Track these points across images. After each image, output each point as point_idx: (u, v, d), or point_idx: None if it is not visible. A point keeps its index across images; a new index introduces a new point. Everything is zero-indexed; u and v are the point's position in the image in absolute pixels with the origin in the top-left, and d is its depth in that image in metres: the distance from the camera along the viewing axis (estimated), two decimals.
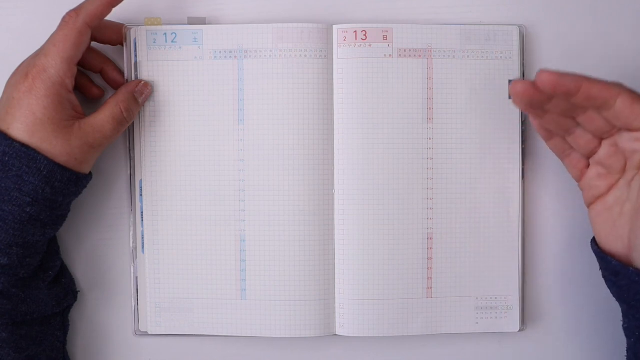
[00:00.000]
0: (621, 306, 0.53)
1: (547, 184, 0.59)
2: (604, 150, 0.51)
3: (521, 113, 0.57)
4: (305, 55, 0.55)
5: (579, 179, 0.54)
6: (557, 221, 0.59)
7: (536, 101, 0.48)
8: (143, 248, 0.57)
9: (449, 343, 0.59)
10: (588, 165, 0.53)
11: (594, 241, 0.54)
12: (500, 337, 0.59)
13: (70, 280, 0.57)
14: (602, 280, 0.56)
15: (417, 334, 0.57)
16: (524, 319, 0.59)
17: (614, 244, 0.52)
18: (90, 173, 0.54)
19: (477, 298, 0.57)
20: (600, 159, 0.52)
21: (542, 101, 0.48)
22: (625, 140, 0.50)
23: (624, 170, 0.51)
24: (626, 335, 0.53)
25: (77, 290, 0.58)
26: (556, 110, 0.49)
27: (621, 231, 0.52)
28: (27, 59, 0.52)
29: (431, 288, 0.57)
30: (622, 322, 0.53)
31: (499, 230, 0.57)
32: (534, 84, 0.47)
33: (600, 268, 0.54)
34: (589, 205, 0.54)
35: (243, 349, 0.59)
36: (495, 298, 0.57)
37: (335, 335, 0.57)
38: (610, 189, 0.52)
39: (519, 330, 0.58)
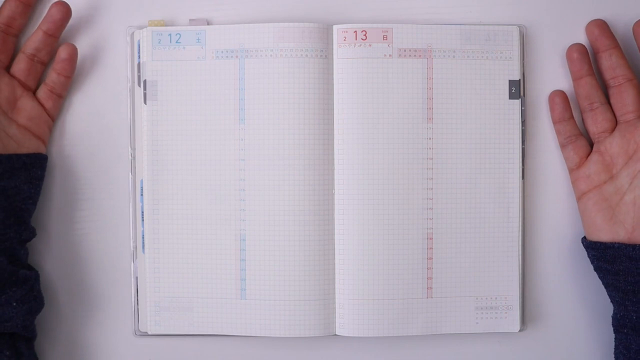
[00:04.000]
0: (615, 296, 0.54)
1: (547, 184, 0.59)
2: (618, 135, 0.54)
3: (521, 113, 0.57)
4: (306, 55, 0.56)
5: (577, 166, 0.56)
6: (557, 221, 0.59)
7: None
8: (143, 248, 0.57)
9: (449, 343, 0.59)
10: (588, 154, 0.56)
11: (584, 238, 0.56)
12: (500, 337, 0.59)
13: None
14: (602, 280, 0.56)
15: (417, 334, 0.57)
16: (524, 319, 0.58)
17: (613, 231, 0.54)
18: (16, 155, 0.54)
19: (477, 298, 0.57)
20: (611, 145, 0.55)
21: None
22: None
23: (628, 159, 0.54)
24: (616, 329, 0.54)
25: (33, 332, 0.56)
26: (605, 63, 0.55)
27: (622, 217, 0.53)
28: None
29: (431, 288, 0.57)
30: (612, 315, 0.55)
31: (499, 230, 0.57)
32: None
33: (594, 261, 0.55)
34: (584, 193, 0.56)
35: (243, 349, 0.59)
36: (495, 298, 0.57)
37: (335, 335, 0.57)
38: (611, 178, 0.54)
39: (519, 330, 0.58)
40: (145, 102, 0.57)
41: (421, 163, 0.57)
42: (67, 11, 0.55)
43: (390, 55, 0.56)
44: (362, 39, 0.56)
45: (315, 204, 0.56)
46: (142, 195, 0.57)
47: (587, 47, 0.57)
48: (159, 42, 0.56)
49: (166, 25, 0.57)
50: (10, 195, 0.53)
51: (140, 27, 0.57)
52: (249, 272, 0.57)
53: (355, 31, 0.56)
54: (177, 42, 0.56)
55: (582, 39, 0.58)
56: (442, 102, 0.57)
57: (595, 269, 0.56)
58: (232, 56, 0.56)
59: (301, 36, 0.55)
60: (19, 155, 0.54)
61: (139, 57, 0.57)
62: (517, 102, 0.57)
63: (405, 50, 0.56)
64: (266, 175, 0.56)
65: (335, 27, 0.56)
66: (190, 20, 0.58)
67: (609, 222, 0.54)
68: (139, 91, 0.57)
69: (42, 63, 0.57)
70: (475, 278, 0.57)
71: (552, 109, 0.57)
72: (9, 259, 0.54)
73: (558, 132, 0.57)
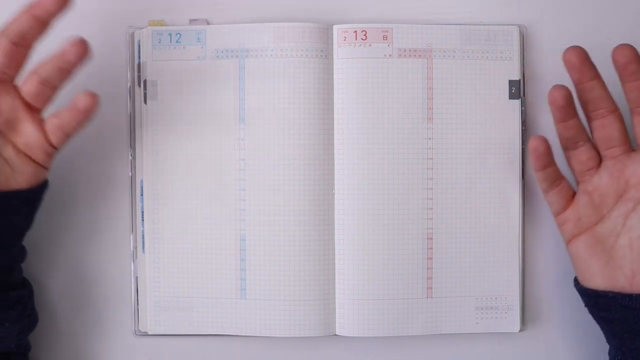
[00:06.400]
0: (611, 340, 0.53)
1: None
2: (605, 173, 0.52)
3: (521, 113, 0.57)
4: (306, 55, 0.56)
5: (564, 208, 0.53)
6: None
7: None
8: (143, 248, 0.57)
9: (449, 343, 0.59)
10: (572, 195, 0.53)
11: (576, 280, 0.54)
12: (500, 337, 0.59)
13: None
14: None
15: (417, 334, 0.57)
16: (524, 319, 0.58)
17: (611, 277, 0.51)
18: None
19: (477, 298, 0.57)
20: (599, 184, 0.52)
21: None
22: (637, 164, 0.50)
23: (619, 198, 0.52)
24: None
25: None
26: (587, 96, 0.51)
27: (619, 261, 0.51)
28: None
29: (431, 288, 0.57)
30: (609, 353, 0.54)
31: (499, 230, 0.57)
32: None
33: (587, 306, 0.54)
34: (574, 237, 0.53)
35: (243, 349, 0.59)
36: (495, 298, 0.57)
37: (335, 335, 0.57)
38: (602, 219, 0.52)
39: (519, 330, 0.58)
40: (145, 102, 0.57)
41: (421, 163, 0.57)
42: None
43: (390, 55, 0.56)
44: (362, 39, 0.56)
45: (315, 204, 0.56)
46: (142, 195, 0.57)
47: (569, 87, 0.52)
48: (159, 42, 0.56)
49: (166, 25, 0.57)
50: (2, 232, 0.50)
51: (140, 27, 0.57)
52: (249, 272, 0.57)
53: (355, 31, 0.56)
54: (177, 42, 0.57)
55: (582, 39, 0.58)
56: (442, 102, 0.57)
57: (590, 313, 0.54)
58: (232, 56, 0.56)
59: (301, 36, 0.56)
60: (19, 192, 0.50)
61: (139, 57, 0.57)
62: (517, 102, 0.57)
63: (405, 50, 0.56)
64: (266, 175, 0.56)
65: (335, 27, 0.56)
66: (190, 20, 0.58)
67: (606, 266, 0.51)
68: (139, 91, 0.57)
69: (54, 88, 0.51)
70: (475, 278, 0.57)
71: (535, 159, 0.52)
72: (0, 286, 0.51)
73: (541, 179, 0.53)
